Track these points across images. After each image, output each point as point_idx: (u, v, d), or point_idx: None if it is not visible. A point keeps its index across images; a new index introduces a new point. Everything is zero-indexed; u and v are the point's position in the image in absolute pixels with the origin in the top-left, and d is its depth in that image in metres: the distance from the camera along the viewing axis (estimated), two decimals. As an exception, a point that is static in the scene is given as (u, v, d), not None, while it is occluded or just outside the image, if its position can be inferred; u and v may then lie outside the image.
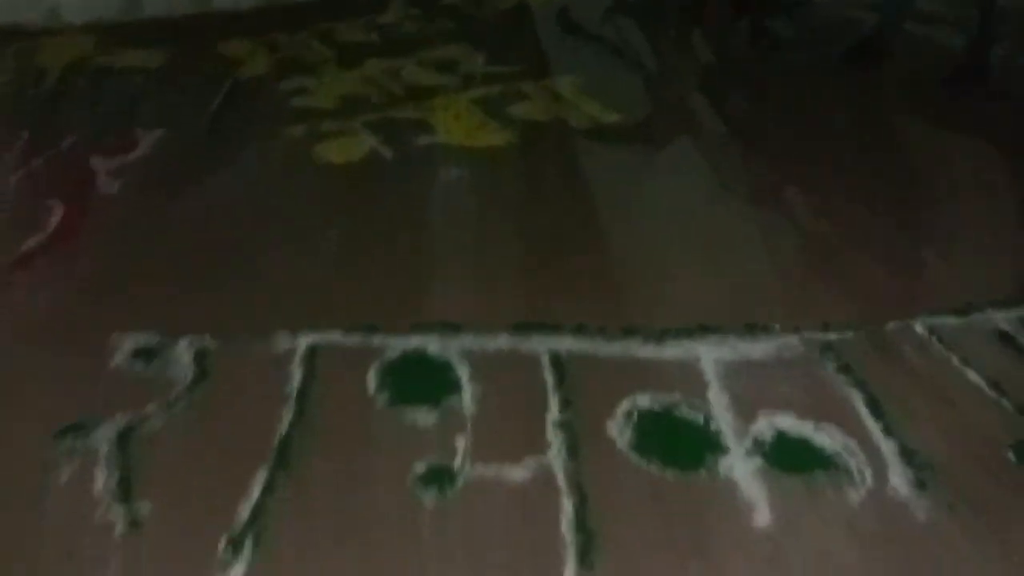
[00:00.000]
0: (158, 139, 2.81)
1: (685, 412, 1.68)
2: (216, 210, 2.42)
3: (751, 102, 3.14)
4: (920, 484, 1.51)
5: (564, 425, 1.65)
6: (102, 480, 1.52)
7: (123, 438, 1.60)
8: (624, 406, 1.69)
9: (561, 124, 2.91)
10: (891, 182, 2.52)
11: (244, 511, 1.45)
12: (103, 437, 1.61)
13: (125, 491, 1.50)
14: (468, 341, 1.86)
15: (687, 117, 2.98)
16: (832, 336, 1.87)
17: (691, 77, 3.37)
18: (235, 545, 1.40)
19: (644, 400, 1.70)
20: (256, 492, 1.49)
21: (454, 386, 1.75)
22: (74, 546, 1.41)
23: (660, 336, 1.87)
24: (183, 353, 1.82)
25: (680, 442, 1.62)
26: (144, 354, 1.82)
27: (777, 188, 2.46)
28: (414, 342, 1.86)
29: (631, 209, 2.41)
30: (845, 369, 1.78)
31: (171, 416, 1.66)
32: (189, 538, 1.41)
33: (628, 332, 1.89)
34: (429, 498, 1.49)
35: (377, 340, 1.87)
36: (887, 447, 1.59)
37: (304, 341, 1.85)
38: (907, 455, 1.57)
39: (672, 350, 1.84)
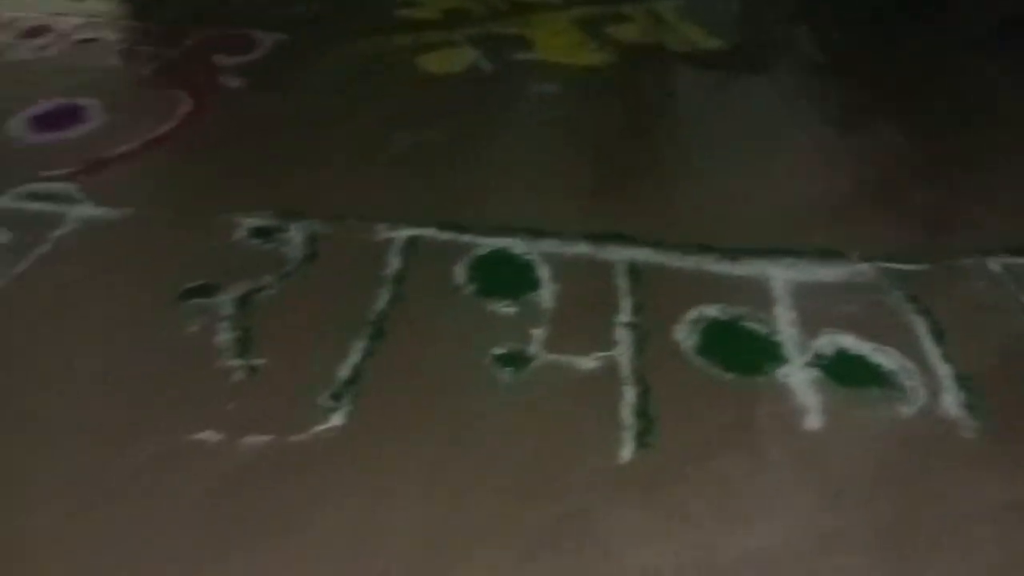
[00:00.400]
0: (275, 42, 3.00)
1: (750, 324, 1.78)
2: (327, 109, 2.60)
3: (853, 32, 3.09)
4: (971, 407, 1.58)
5: (634, 326, 1.77)
6: (224, 335, 1.75)
7: (243, 302, 1.82)
8: (692, 314, 1.80)
9: (659, 47, 2.95)
10: (983, 121, 2.49)
11: (344, 371, 1.65)
12: (225, 300, 1.83)
13: (243, 346, 1.71)
14: (551, 245, 2.00)
15: (787, 45, 2.97)
16: (906, 267, 1.92)
17: (794, 5, 3.32)
18: (336, 397, 1.60)
19: (712, 310, 1.81)
20: (355, 356, 1.69)
21: (535, 284, 1.89)
22: (195, 388, 1.64)
23: (735, 254, 1.96)
24: (296, 234, 2.02)
25: (742, 350, 1.73)
26: (262, 233, 2.03)
27: (868, 118, 2.47)
28: (501, 242, 2.01)
29: (720, 132, 2.47)
30: (913, 298, 1.83)
31: (284, 287, 1.87)
32: (296, 388, 1.62)
33: (704, 248, 1.98)
34: (504, 376, 1.66)
35: (468, 237, 2.02)
36: (944, 371, 1.66)
37: (403, 233, 2.02)
38: (962, 380, 1.64)
39: (745, 268, 1.93)
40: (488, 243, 2.01)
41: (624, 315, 1.80)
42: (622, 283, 1.89)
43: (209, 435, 1.53)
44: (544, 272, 1.92)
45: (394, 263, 1.94)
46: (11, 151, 2.46)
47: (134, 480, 1.45)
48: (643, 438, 1.53)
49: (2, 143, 2.50)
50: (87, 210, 2.15)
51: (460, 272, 1.92)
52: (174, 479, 1.45)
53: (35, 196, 2.21)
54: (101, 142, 2.45)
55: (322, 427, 1.55)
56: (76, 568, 1.33)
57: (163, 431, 1.54)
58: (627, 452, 1.51)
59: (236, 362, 1.68)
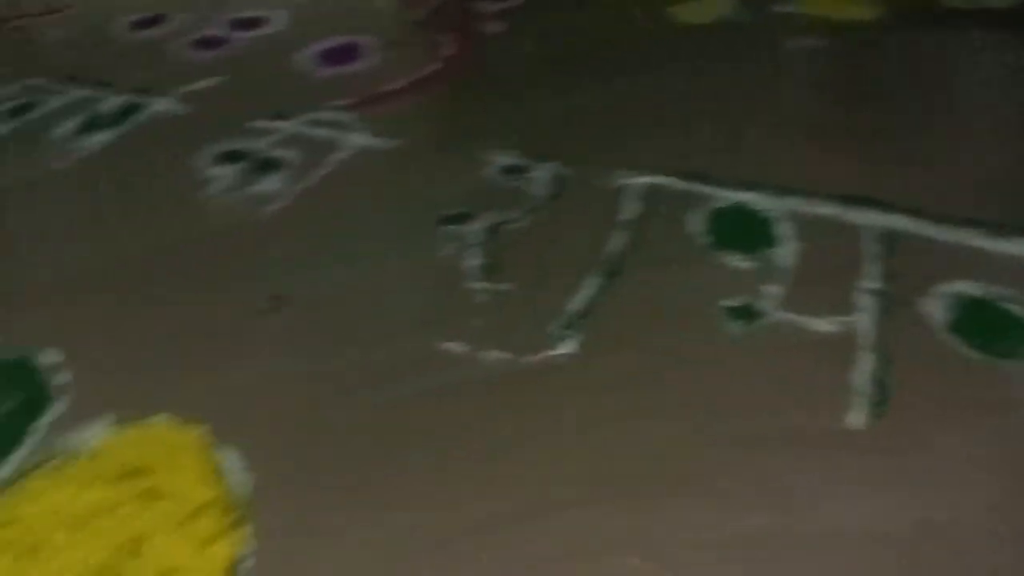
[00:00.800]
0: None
1: (1011, 307, 1.65)
2: (580, 56, 2.70)
3: None
4: None
5: (880, 294, 1.70)
6: (472, 260, 1.90)
7: (491, 231, 1.97)
8: (946, 288, 1.69)
9: (936, 2, 2.72)
10: None
11: (578, 304, 1.75)
12: (476, 228, 1.98)
13: (489, 271, 1.86)
14: (796, 203, 1.95)
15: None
16: None
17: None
18: (568, 327, 1.70)
19: (969, 287, 1.69)
20: (589, 292, 1.77)
21: (775, 240, 1.86)
22: (446, 304, 1.80)
23: (1003, 230, 1.81)
24: (543, 174, 2.13)
25: (998, 331, 1.60)
26: (513, 170, 2.17)
27: None
28: (743, 196, 1.99)
29: (998, 100, 2.25)
30: None
31: (530, 222, 1.99)
32: (533, 314, 1.74)
33: (965, 221, 1.84)
34: (734, 328, 1.66)
35: (709, 189, 2.03)
36: None
37: (644, 180, 2.07)
38: None
39: (1014, 246, 1.78)
40: (729, 196, 2.00)
41: (870, 281, 1.73)
42: (871, 248, 1.81)
43: (454, 346, 1.69)
44: (785, 230, 1.89)
45: (633, 208, 2.00)
46: (300, 82, 2.79)
47: (391, 377, 1.64)
48: (875, 407, 1.48)
49: (293, 74, 2.84)
50: (362, 139, 2.40)
51: (698, 222, 1.94)
52: (423, 381, 1.63)
53: (319, 123, 2.51)
54: (375, 78, 2.71)
55: (553, 352, 1.65)
56: (339, 442, 1.55)
57: (416, 338, 1.72)
58: (854, 418, 1.47)
59: (482, 285, 1.83)
